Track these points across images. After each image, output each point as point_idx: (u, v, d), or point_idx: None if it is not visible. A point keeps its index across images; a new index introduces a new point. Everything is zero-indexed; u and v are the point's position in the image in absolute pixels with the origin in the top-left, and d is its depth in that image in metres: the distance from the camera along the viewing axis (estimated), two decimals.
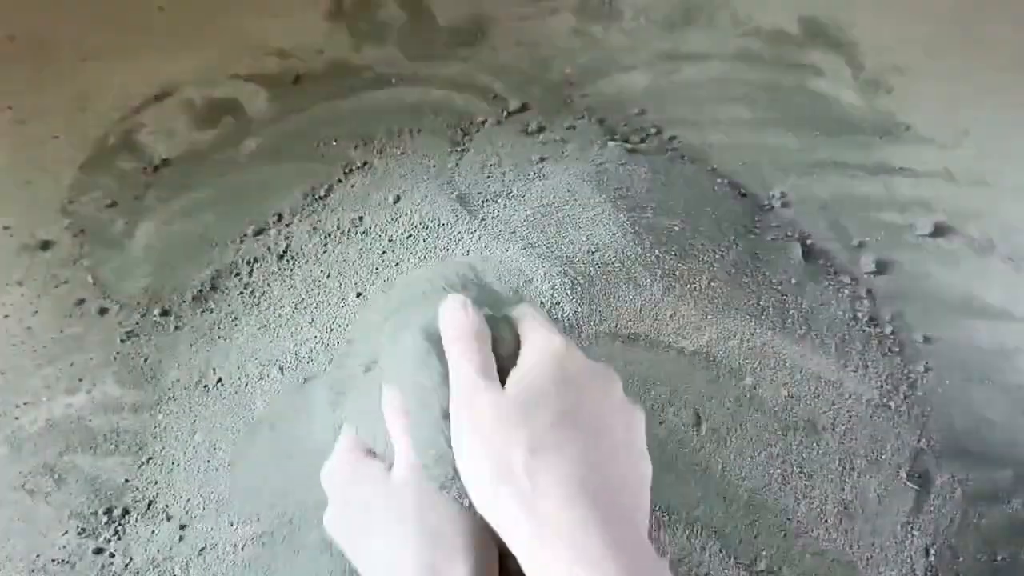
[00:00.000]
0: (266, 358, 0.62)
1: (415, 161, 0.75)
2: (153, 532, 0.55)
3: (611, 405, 0.37)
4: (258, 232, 0.71)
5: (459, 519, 0.37)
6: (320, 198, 0.73)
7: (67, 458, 0.59)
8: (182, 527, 0.55)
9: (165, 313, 0.66)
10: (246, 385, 0.61)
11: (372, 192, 0.72)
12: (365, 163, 0.76)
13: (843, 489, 0.56)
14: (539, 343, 0.38)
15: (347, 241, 0.68)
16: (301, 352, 0.61)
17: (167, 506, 0.56)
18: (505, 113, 0.81)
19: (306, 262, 0.67)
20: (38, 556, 0.54)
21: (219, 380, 0.62)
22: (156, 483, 0.57)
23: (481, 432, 0.35)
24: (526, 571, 0.33)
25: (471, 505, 0.37)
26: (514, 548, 0.34)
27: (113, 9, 0.91)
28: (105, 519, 0.56)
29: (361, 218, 0.69)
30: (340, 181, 0.74)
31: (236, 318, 0.65)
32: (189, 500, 0.56)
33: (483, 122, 0.80)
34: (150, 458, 0.59)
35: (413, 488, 0.39)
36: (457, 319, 0.40)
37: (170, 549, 0.54)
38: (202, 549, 0.53)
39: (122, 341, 0.65)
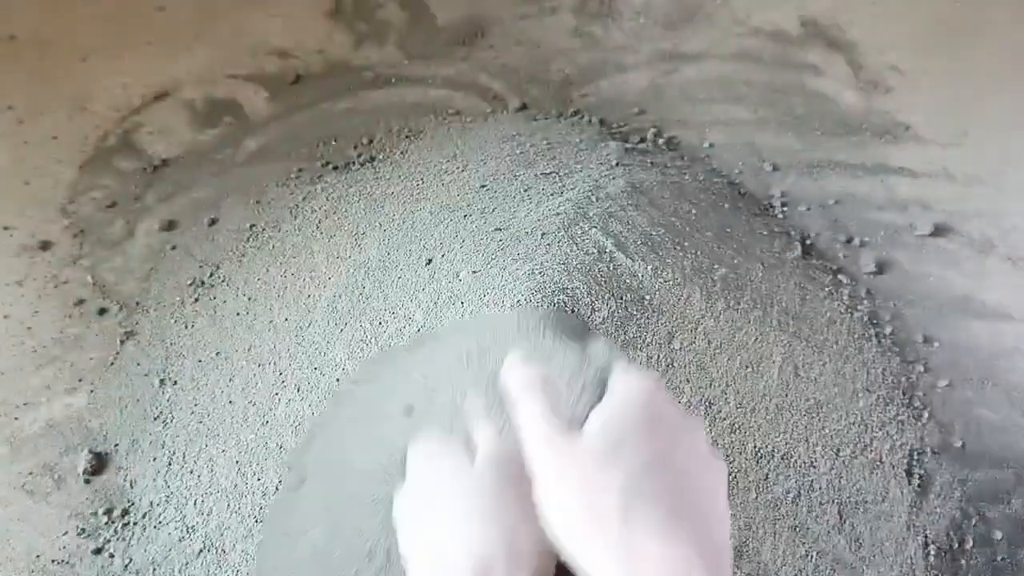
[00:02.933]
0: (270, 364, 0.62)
1: (415, 161, 0.75)
2: (153, 532, 0.55)
3: (698, 453, 0.36)
4: (258, 230, 0.71)
5: (534, 525, 0.36)
6: (322, 198, 0.73)
7: (67, 458, 0.59)
8: (182, 528, 0.55)
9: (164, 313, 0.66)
10: (242, 389, 0.61)
11: (372, 191, 0.72)
12: (365, 163, 0.76)
13: (843, 490, 0.56)
14: (631, 381, 0.37)
15: (350, 243, 0.68)
16: (303, 367, 0.61)
17: (167, 507, 0.56)
18: (505, 113, 0.81)
19: (306, 263, 0.67)
20: (38, 556, 0.54)
21: (219, 382, 0.62)
22: (156, 484, 0.57)
23: (569, 477, 0.34)
24: None
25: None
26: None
27: (113, 9, 0.91)
28: (105, 519, 0.56)
29: (364, 215, 0.69)
30: (339, 180, 0.74)
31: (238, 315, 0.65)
32: (189, 501, 0.56)
33: (484, 121, 0.80)
34: (151, 458, 0.59)
35: (497, 477, 0.38)
36: (519, 377, 0.39)
37: (169, 550, 0.54)
38: (200, 550, 0.53)
39: (122, 341, 0.65)
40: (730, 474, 0.54)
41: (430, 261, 0.61)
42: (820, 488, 0.56)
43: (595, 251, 0.60)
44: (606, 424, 0.35)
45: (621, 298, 0.58)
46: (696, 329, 0.59)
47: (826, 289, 0.68)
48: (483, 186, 0.68)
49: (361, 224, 0.69)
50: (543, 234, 0.61)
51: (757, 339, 0.61)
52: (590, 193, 0.65)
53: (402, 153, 0.77)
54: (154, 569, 0.53)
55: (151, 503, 0.56)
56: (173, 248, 0.71)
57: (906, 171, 0.78)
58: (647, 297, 0.59)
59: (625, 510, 0.32)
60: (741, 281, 0.64)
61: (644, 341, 0.56)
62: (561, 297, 0.55)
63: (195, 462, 0.58)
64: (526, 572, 0.36)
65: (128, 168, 0.78)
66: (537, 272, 0.57)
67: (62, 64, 0.86)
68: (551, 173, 0.69)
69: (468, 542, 0.36)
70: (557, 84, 0.86)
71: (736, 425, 0.56)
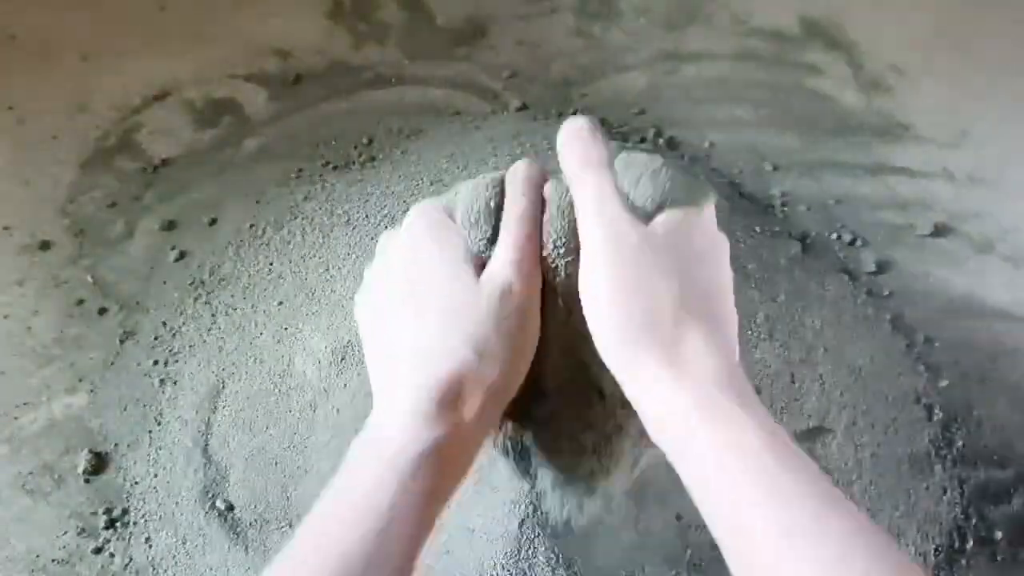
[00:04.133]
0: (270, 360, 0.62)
1: (415, 161, 0.75)
2: (153, 532, 0.55)
3: (724, 267, 0.38)
4: (258, 230, 0.71)
5: (533, 336, 0.37)
6: (322, 198, 0.73)
7: (67, 458, 0.59)
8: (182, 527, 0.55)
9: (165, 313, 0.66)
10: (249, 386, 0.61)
11: (372, 191, 0.72)
12: (365, 163, 0.76)
13: (843, 489, 0.56)
14: (695, 200, 0.38)
15: (348, 239, 0.68)
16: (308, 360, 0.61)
17: (167, 506, 0.56)
18: (505, 113, 0.81)
19: (307, 262, 0.67)
20: (38, 556, 0.54)
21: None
22: (156, 483, 0.57)
23: (627, 270, 0.35)
24: (649, 412, 0.34)
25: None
26: (639, 392, 0.34)
27: (113, 9, 0.91)
28: (105, 519, 0.56)
29: (365, 216, 0.69)
30: (339, 180, 0.74)
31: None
32: (189, 500, 0.56)
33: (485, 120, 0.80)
34: (152, 459, 0.59)
35: (501, 287, 0.36)
36: (588, 142, 0.39)
37: (170, 549, 0.54)
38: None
39: (122, 341, 0.65)
40: None
41: None
42: None
43: None
44: (673, 229, 0.36)
45: None
46: None
47: (826, 289, 0.67)
48: None
49: (361, 224, 0.69)
50: None
51: (757, 339, 0.61)
52: None
53: (402, 153, 0.77)
54: (154, 569, 0.53)
55: (152, 503, 0.56)
56: (173, 248, 0.71)
57: (906, 171, 0.78)
58: None
59: (676, 320, 0.34)
60: (739, 282, 0.64)
61: None
62: None
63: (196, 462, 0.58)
64: (494, 392, 0.36)
65: (128, 168, 0.78)
66: None
67: (62, 64, 0.86)
68: (552, 172, 0.69)
69: (432, 339, 0.36)
70: (557, 84, 0.86)
71: None
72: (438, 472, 0.34)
